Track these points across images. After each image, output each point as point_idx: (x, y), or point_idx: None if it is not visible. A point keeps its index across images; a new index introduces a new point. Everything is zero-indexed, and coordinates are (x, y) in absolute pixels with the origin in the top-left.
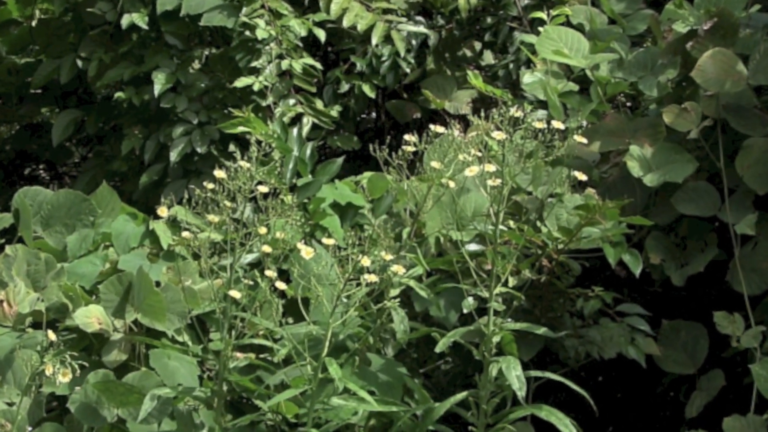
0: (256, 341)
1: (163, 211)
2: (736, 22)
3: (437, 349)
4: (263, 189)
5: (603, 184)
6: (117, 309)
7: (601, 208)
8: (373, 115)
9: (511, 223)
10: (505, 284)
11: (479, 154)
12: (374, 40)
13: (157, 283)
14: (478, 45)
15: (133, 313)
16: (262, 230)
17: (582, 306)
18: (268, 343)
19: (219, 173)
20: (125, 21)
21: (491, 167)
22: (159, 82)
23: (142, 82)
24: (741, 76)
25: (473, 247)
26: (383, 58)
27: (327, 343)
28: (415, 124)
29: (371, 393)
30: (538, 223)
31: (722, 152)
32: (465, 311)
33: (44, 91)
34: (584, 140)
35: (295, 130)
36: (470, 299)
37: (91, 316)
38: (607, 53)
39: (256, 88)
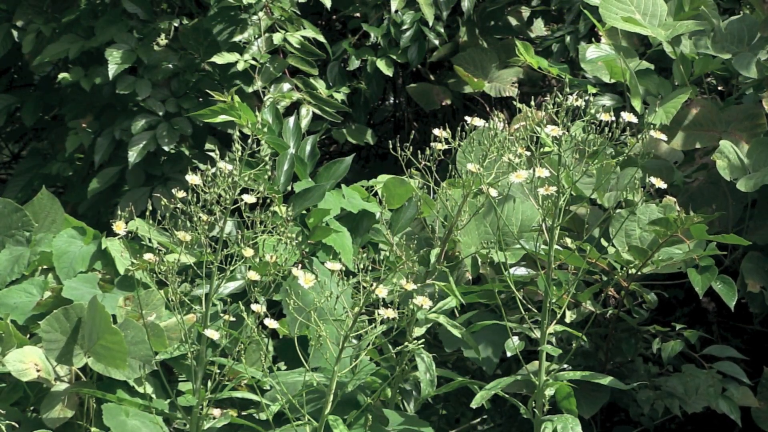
0: (238, 394)
1: (119, 226)
2: None
3: (473, 405)
4: (250, 199)
5: (686, 192)
6: (63, 352)
7: (684, 222)
8: (391, 101)
9: (569, 241)
10: (562, 320)
11: (528, 153)
12: (394, 5)
13: (113, 319)
14: (525, 12)
15: (83, 357)
16: (248, 252)
17: (659, 348)
18: (255, 397)
19: (193, 178)
20: None
21: (544, 171)
22: (114, 61)
23: (93, 61)
24: None
25: (521, 271)
26: (405, 27)
27: (331, 397)
28: (444, 114)
29: None
30: (603, 242)
31: None
32: (509, 354)
33: None
34: (663, 136)
35: (291, 121)
36: (515, 339)
37: (26, 361)
38: (692, 22)
39: (240, 67)
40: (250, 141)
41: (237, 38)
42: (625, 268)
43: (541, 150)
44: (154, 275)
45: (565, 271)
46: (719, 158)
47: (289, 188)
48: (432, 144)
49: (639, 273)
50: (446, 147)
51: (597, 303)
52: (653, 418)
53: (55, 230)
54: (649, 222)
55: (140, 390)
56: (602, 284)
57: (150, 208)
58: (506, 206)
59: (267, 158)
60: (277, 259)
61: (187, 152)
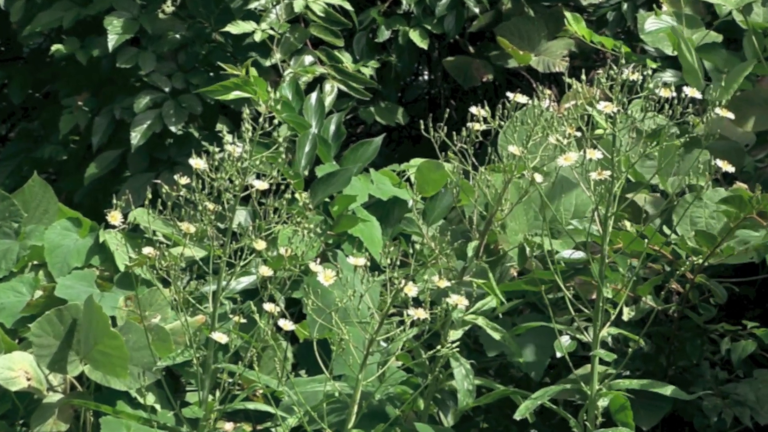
0: (251, 405)
1: (114, 217)
2: None
3: (517, 416)
4: (261, 185)
5: (758, 178)
6: (56, 358)
7: (759, 202)
8: (426, 76)
9: (628, 224)
10: (618, 319)
11: (578, 134)
12: None
13: (112, 320)
14: None
15: (78, 364)
16: (260, 245)
17: (728, 350)
18: (270, 408)
19: (197, 162)
20: None
21: (596, 153)
22: (114, 31)
23: (91, 31)
24: None
25: (575, 255)
26: None
27: (355, 408)
28: (485, 91)
29: None
30: (666, 230)
31: None
32: (558, 355)
33: None
34: (731, 115)
35: (313, 97)
36: (565, 339)
37: (15, 368)
38: None
39: (257, 38)
40: (262, 120)
41: (253, 5)
42: (690, 258)
43: (594, 132)
44: (156, 271)
45: (623, 255)
46: None
47: (308, 173)
48: (469, 124)
49: (706, 264)
50: (485, 127)
51: (658, 299)
52: (721, 429)
53: (47, 221)
54: (720, 200)
55: (142, 401)
56: (664, 276)
57: (150, 196)
58: (559, 191)
59: (284, 139)
60: (294, 251)
61: (196, 133)
